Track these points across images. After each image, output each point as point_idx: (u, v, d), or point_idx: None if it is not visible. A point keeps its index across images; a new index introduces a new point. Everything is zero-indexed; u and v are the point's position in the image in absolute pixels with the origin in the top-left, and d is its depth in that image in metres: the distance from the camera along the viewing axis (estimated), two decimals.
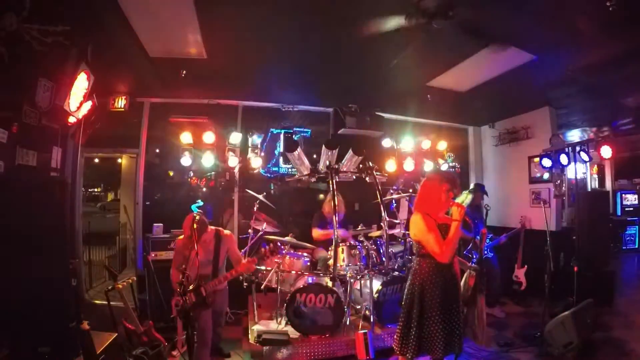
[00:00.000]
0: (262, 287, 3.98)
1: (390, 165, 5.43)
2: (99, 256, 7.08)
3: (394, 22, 2.98)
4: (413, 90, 4.91)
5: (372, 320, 3.58)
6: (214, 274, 3.10)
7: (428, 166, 5.75)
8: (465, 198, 4.74)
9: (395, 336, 2.62)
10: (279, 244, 4.14)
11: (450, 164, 6.02)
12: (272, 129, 5.53)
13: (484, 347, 2.92)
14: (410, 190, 4.93)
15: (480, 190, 4.82)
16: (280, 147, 5.51)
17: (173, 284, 3.10)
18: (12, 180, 2.77)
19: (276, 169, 5.54)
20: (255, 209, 4.42)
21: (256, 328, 3.71)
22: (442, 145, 5.98)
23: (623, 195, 8.35)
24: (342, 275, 3.80)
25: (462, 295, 2.58)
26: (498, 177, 6.47)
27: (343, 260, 3.88)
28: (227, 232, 3.33)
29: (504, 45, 3.50)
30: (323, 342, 3.43)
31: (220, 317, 3.39)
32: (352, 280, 3.79)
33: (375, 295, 3.62)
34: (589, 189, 8.00)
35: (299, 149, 4.26)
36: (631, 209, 8.26)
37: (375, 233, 4.63)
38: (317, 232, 4.59)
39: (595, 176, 8.70)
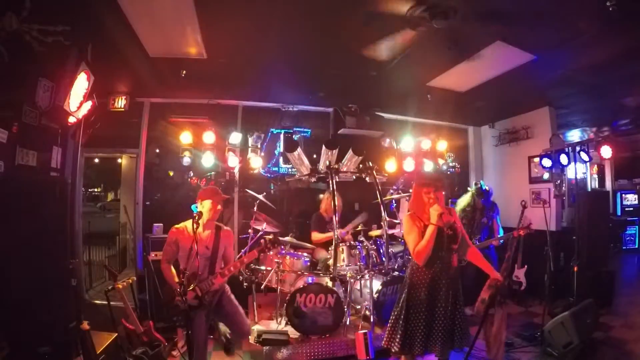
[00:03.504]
0: (262, 287, 3.98)
1: (390, 165, 5.43)
2: (99, 256, 7.07)
3: (396, 7, 2.92)
4: (413, 90, 4.91)
5: (372, 320, 3.58)
6: (211, 272, 2.84)
7: (428, 166, 5.75)
8: (468, 199, 4.72)
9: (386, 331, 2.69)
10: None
11: (450, 164, 6.02)
12: (272, 129, 5.54)
13: None
14: (410, 190, 4.92)
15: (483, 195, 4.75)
16: (280, 147, 5.51)
17: (169, 280, 2.80)
18: (12, 180, 2.77)
19: (276, 169, 5.54)
20: (255, 209, 4.41)
21: (256, 328, 3.70)
22: (442, 145, 5.97)
23: (623, 195, 8.36)
24: (342, 275, 3.79)
25: (480, 305, 2.53)
26: (498, 177, 6.47)
27: (343, 260, 3.88)
28: (226, 228, 3.09)
29: (504, 44, 3.50)
30: (323, 342, 3.43)
31: (234, 316, 3.02)
32: (352, 280, 3.79)
33: (375, 295, 3.62)
34: (589, 189, 8.00)
35: (299, 149, 4.26)
36: (631, 209, 8.28)
37: (375, 232, 4.62)
38: (316, 236, 4.57)
39: (595, 176, 8.71)
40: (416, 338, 2.48)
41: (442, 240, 2.51)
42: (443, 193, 2.60)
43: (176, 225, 2.90)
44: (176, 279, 2.72)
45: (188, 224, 2.81)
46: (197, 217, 2.62)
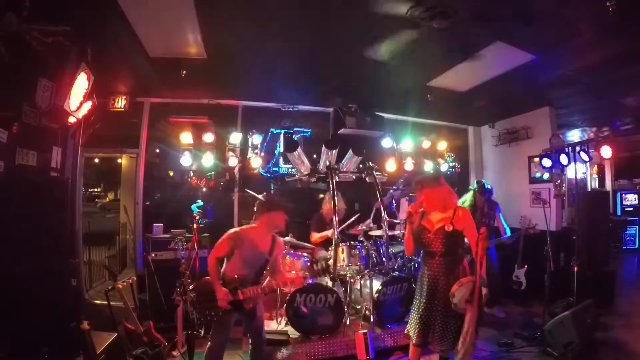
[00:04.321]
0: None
1: (390, 165, 5.43)
2: (99, 256, 7.07)
3: (396, 8, 2.93)
4: (413, 90, 4.91)
5: (372, 320, 3.58)
6: (255, 280, 2.72)
7: (428, 166, 5.75)
8: (470, 197, 4.71)
9: None
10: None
11: (450, 164, 6.02)
12: (272, 129, 5.53)
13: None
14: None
15: (485, 192, 4.76)
16: (280, 147, 5.51)
17: (212, 276, 2.62)
18: (12, 180, 2.77)
19: (276, 169, 5.54)
20: (255, 208, 4.41)
21: None
22: (442, 145, 5.98)
23: (623, 195, 8.36)
24: (342, 275, 3.79)
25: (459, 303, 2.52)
26: (498, 177, 6.47)
27: (343, 260, 3.88)
28: (280, 238, 2.96)
29: (504, 44, 3.50)
30: (323, 342, 3.43)
31: (259, 327, 2.84)
32: (352, 280, 3.79)
33: (375, 295, 3.61)
34: (589, 189, 8.00)
35: (299, 149, 4.26)
36: (631, 209, 8.27)
37: (375, 232, 4.62)
38: (314, 236, 4.56)
39: (595, 176, 8.72)
40: (415, 327, 2.65)
41: (428, 241, 2.65)
42: (432, 190, 2.65)
43: (243, 227, 2.83)
44: (218, 279, 2.62)
45: (249, 230, 2.77)
46: (196, 217, 2.61)
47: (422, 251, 2.77)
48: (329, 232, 4.27)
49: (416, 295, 2.76)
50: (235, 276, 2.63)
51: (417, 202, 2.72)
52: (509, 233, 4.60)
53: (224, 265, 2.73)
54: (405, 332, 2.79)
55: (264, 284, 2.75)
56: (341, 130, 5.41)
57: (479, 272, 2.43)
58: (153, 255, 4.21)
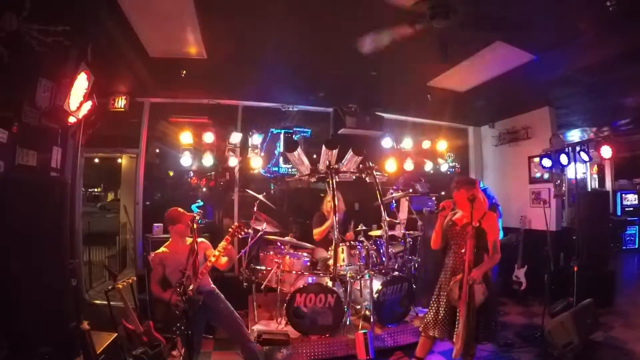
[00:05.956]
0: (262, 287, 3.98)
1: (390, 165, 5.43)
2: (99, 256, 7.07)
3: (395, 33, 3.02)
4: (413, 90, 4.91)
5: (372, 320, 3.58)
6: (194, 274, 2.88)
7: (428, 166, 5.76)
8: None
9: None
10: (278, 243, 4.14)
11: (450, 164, 6.02)
12: (272, 129, 5.53)
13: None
14: (410, 190, 4.92)
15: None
16: (280, 147, 5.51)
17: (160, 297, 2.90)
18: (12, 180, 2.77)
19: (276, 169, 5.54)
20: (255, 209, 4.41)
21: (256, 328, 3.70)
22: (442, 145, 5.98)
23: (623, 195, 8.36)
24: (342, 275, 3.79)
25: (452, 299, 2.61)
26: (498, 177, 6.48)
27: (343, 260, 3.88)
28: (200, 239, 3.11)
29: (504, 44, 3.50)
30: (323, 342, 3.43)
31: (230, 321, 3.03)
32: (352, 280, 3.79)
33: (375, 295, 3.61)
34: (589, 189, 8.01)
35: (299, 149, 4.25)
36: (631, 209, 8.27)
37: (375, 232, 4.62)
38: (316, 232, 4.57)
39: (595, 176, 8.71)
40: (435, 322, 2.76)
41: (454, 235, 2.80)
42: (459, 192, 2.82)
43: (156, 251, 3.08)
44: (164, 294, 2.85)
45: (165, 248, 3.07)
46: (196, 218, 2.65)
47: (448, 247, 2.89)
48: (328, 222, 4.29)
49: (437, 291, 2.86)
50: (179, 283, 2.69)
51: (452, 200, 2.87)
52: (501, 236, 4.61)
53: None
54: (421, 327, 2.88)
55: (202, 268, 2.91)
56: (341, 130, 5.41)
57: (467, 271, 2.52)
58: (153, 255, 4.20)
